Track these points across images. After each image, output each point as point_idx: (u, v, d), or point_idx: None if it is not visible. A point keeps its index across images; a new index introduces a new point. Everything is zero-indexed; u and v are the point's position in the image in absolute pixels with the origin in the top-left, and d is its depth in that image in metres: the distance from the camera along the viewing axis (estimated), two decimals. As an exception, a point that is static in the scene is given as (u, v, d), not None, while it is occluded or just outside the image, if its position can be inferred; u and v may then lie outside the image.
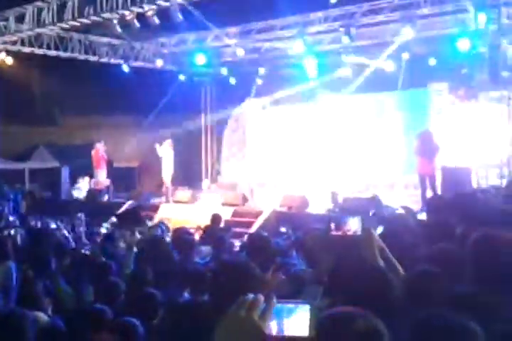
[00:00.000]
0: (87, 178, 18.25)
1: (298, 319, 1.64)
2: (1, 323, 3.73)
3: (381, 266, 2.76)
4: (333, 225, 2.86)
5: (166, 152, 17.12)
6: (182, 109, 19.30)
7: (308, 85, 17.26)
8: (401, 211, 8.28)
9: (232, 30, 16.85)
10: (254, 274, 2.75)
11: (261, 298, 1.58)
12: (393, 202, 11.91)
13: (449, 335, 1.82)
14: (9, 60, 16.59)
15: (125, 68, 17.74)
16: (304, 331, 1.62)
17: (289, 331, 1.62)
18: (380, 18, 14.41)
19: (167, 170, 17.10)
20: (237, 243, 8.69)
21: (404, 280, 2.90)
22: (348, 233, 2.82)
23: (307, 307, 1.65)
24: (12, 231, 7.39)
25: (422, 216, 8.18)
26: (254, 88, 19.02)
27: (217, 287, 2.78)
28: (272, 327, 1.60)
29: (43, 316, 4.70)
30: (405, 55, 15.27)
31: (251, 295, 1.59)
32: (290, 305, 1.65)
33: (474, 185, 11.61)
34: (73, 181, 18.33)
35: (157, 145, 17.05)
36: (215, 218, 10.13)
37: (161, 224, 10.48)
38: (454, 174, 11.96)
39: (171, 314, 3.70)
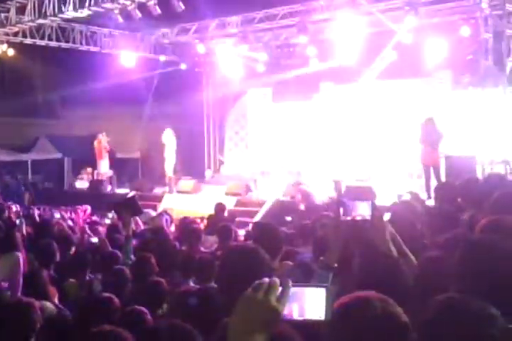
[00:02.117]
0: (89, 169, 18.25)
1: (314, 302, 1.63)
2: (8, 312, 3.74)
3: (393, 253, 2.73)
4: (341, 211, 2.82)
5: (168, 140, 17.06)
6: (184, 100, 19.23)
7: (311, 74, 17.15)
8: (407, 196, 8.24)
9: (234, 18, 16.75)
10: (264, 259, 2.73)
11: (277, 281, 1.57)
12: (397, 191, 11.87)
13: (470, 318, 1.79)
14: (10, 52, 16.52)
15: (127, 59, 17.67)
16: (321, 314, 1.62)
17: (305, 314, 1.61)
18: (382, 5, 14.32)
19: (169, 160, 17.05)
20: (241, 232, 8.68)
21: (415, 267, 2.87)
22: (358, 218, 2.78)
23: (323, 290, 1.64)
24: (17, 222, 7.37)
25: (429, 203, 8.16)
26: (256, 78, 18.90)
27: (226, 272, 2.75)
28: (289, 310, 1.59)
29: (49, 305, 4.70)
30: (408, 42, 15.10)
31: (267, 279, 1.58)
32: (305, 289, 1.65)
33: (479, 174, 11.52)
34: (76, 172, 18.32)
35: (163, 133, 17.06)
36: (219, 207, 10.11)
37: (164, 214, 10.48)
38: (458, 163, 11.87)
39: (179, 301, 3.69)
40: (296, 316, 1.62)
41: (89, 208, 12.08)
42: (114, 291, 4.47)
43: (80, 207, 11.25)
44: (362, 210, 2.84)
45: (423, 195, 11.01)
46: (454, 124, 14.43)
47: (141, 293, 4.49)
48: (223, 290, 2.81)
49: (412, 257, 2.92)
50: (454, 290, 2.26)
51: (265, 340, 1.54)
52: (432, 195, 8.02)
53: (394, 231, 2.82)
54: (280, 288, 1.57)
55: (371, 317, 1.81)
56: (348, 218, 2.81)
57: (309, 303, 1.63)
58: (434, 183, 11.36)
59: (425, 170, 12.38)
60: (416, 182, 13.72)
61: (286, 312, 1.58)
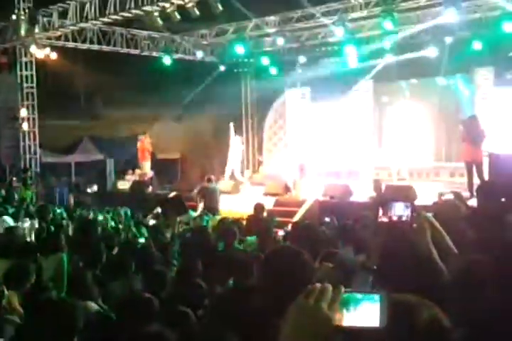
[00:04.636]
0: (138, 170, 18.48)
1: (366, 309, 1.58)
2: (52, 311, 3.79)
3: (432, 255, 2.69)
4: (381, 211, 2.79)
5: (237, 145, 17.49)
6: (223, 100, 19.31)
7: (349, 72, 17.00)
8: (450, 196, 8.10)
9: (272, 18, 16.75)
10: (307, 261, 2.71)
11: (329, 286, 1.54)
12: (439, 190, 11.69)
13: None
14: (53, 55, 16.86)
15: (166, 61, 17.83)
16: (374, 322, 1.57)
17: (358, 322, 1.57)
18: (422, 2, 14.12)
19: (234, 163, 17.49)
20: (280, 232, 8.66)
21: (453, 270, 2.83)
22: (395, 219, 2.75)
23: (377, 297, 1.59)
24: (64, 222, 7.51)
25: (472, 202, 8.00)
26: (294, 77, 18.86)
27: (269, 274, 2.74)
28: (341, 318, 1.55)
29: (93, 305, 4.77)
30: (448, 40, 14.87)
31: (318, 284, 1.55)
32: (358, 295, 1.60)
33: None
34: (118, 173, 18.57)
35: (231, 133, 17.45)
36: (258, 208, 10.10)
37: (205, 214, 10.55)
38: (502, 161, 11.58)
39: (219, 301, 3.70)
40: (349, 323, 1.58)
41: (129, 211, 12.13)
42: (154, 292, 4.52)
43: (122, 208, 11.40)
44: (399, 211, 2.80)
45: (465, 194, 10.81)
46: (497, 122, 14.15)
47: (181, 295, 4.52)
48: (265, 291, 2.80)
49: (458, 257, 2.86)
50: (492, 290, 2.23)
51: None
52: (475, 193, 7.87)
53: (440, 228, 2.76)
54: (331, 294, 1.54)
55: (420, 323, 1.80)
56: (385, 219, 2.79)
57: (362, 310, 1.59)
58: (476, 182, 11.15)
59: (468, 169, 12.12)
60: (458, 181, 13.51)
61: (338, 319, 1.54)
